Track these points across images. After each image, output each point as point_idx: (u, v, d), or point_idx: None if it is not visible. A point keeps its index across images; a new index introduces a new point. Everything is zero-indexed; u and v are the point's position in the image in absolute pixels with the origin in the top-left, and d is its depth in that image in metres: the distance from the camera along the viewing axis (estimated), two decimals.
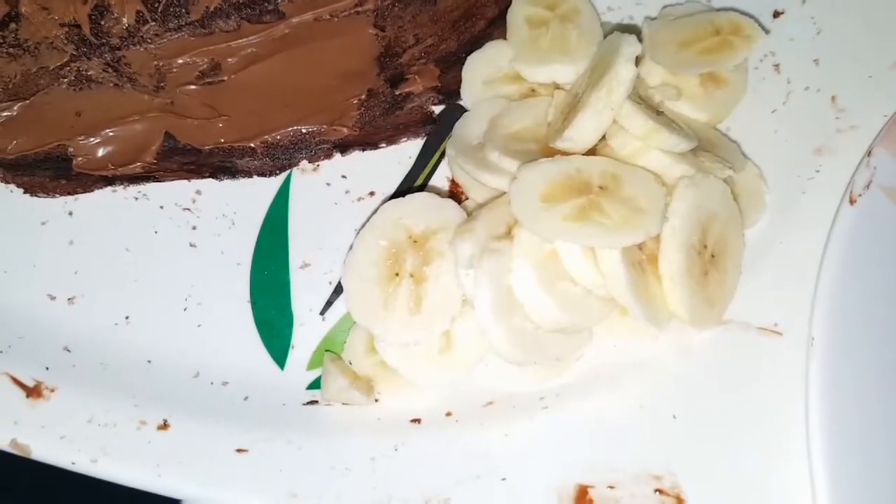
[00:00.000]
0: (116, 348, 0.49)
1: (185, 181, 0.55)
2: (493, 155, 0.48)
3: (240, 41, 0.52)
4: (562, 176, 0.45)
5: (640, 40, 0.49)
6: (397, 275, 0.46)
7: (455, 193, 0.53)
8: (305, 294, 0.51)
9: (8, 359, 0.48)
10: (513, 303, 0.44)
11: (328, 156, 0.56)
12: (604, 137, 0.48)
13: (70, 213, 0.54)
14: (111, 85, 0.52)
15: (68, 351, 0.49)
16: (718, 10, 0.56)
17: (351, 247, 0.48)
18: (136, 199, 0.54)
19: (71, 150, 0.53)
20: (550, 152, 0.48)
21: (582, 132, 0.47)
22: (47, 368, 0.48)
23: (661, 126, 0.47)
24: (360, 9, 0.52)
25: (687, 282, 0.45)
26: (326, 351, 0.50)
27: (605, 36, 0.52)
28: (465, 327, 0.46)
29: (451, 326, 0.46)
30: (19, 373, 0.47)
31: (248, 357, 0.50)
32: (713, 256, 0.46)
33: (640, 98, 0.49)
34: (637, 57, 0.47)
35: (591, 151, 0.48)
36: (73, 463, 0.45)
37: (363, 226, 0.48)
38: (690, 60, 0.52)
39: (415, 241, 0.47)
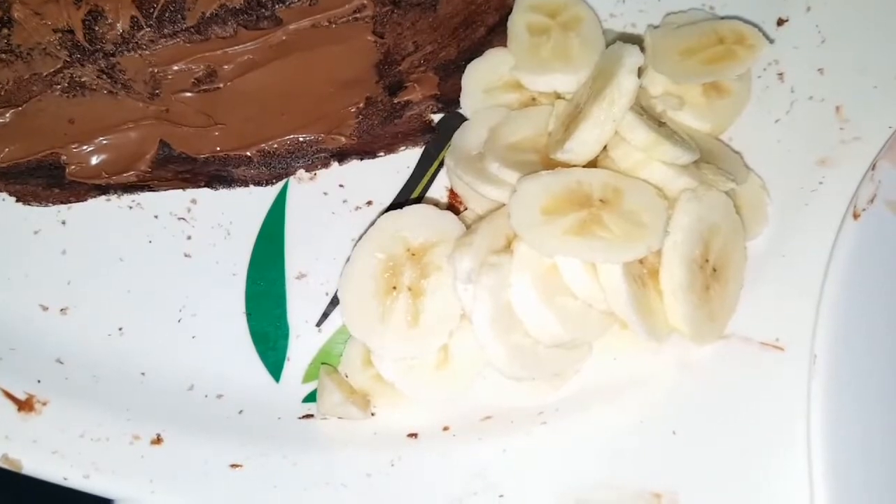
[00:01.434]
0: (109, 360, 0.49)
1: (180, 190, 0.54)
2: (493, 166, 0.48)
3: (236, 48, 0.51)
4: (562, 189, 0.44)
5: (643, 49, 0.49)
6: (395, 288, 0.45)
7: (454, 204, 0.53)
8: (301, 305, 0.51)
9: None
10: (512, 318, 0.44)
11: (325, 165, 0.55)
12: (605, 148, 0.48)
13: (63, 222, 0.53)
14: (105, 92, 0.51)
15: (60, 363, 0.48)
16: (722, 18, 0.55)
17: (348, 258, 0.47)
18: (131, 208, 0.53)
19: (64, 158, 0.52)
20: (551, 163, 0.48)
21: (583, 144, 0.46)
22: (39, 381, 0.47)
23: (664, 138, 0.46)
24: (358, 15, 0.51)
25: (688, 296, 0.44)
26: (322, 364, 0.49)
27: (608, 44, 0.52)
28: (462, 342, 0.45)
29: (448, 341, 0.45)
30: (11, 386, 0.46)
31: (243, 369, 0.49)
32: (715, 270, 0.46)
33: (642, 108, 0.49)
34: (639, 67, 0.46)
35: (592, 163, 0.48)
36: (64, 478, 0.44)
37: (361, 237, 0.48)
38: (693, 70, 0.51)
39: (413, 254, 0.46)
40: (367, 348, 0.46)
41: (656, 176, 0.46)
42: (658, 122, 0.49)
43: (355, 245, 0.47)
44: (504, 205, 0.46)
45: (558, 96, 0.51)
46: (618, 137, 0.47)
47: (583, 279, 0.44)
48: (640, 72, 0.47)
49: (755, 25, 0.53)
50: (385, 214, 0.47)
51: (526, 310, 0.43)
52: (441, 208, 0.49)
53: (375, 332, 0.45)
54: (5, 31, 0.49)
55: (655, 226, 0.44)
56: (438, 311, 0.45)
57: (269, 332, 0.50)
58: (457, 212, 0.51)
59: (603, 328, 0.45)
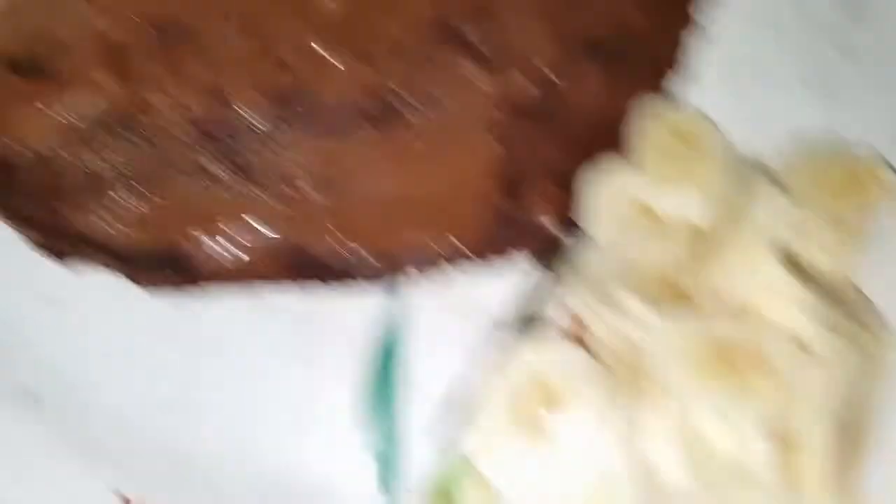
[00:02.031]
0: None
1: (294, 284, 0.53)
2: (620, 295, 0.47)
3: (362, 148, 0.51)
4: (702, 337, 0.43)
5: (774, 179, 0.48)
6: (524, 424, 0.44)
7: (575, 329, 0.52)
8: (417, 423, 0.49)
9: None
10: (646, 465, 0.42)
11: (440, 268, 0.54)
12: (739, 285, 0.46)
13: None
14: (229, 181, 0.52)
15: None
16: (859, 151, 0.53)
17: (468, 378, 0.46)
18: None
19: (188, 248, 0.52)
20: (682, 295, 0.46)
21: (717, 278, 0.45)
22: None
23: (802, 283, 0.45)
24: (482, 122, 0.51)
25: (828, 458, 0.43)
26: (437, 493, 0.48)
27: (740, 170, 0.50)
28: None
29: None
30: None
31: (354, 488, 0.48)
32: (856, 433, 0.44)
33: (775, 243, 0.48)
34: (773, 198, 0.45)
35: (725, 301, 0.46)
36: None
37: (482, 356, 0.47)
38: (828, 205, 0.50)
39: (543, 389, 0.45)
40: (489, 485, 0.45)
41: (798, 327, 0.45)
42: (794, 262, 0.47)
43: (480, 370, 0.46)
44: (634, 341, 0.45)
45: (689, 221, 0.50)
46: (752, 278, 0.46)
47: (721, 432, 0.42)
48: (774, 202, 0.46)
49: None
50: (513, 342, 0.46)
51: (660, 459, 0.42)
52: (562, 330, 0.48)
53: (501, 469, 0.44)
54: (140, 115, 0.50)
55: (800, 383, 0.42)
56: (570, 453, 0.44)
57: (382, 449, 0.49)
58: (579, 336, 0.50)
59: (737, 484, 0.43)
